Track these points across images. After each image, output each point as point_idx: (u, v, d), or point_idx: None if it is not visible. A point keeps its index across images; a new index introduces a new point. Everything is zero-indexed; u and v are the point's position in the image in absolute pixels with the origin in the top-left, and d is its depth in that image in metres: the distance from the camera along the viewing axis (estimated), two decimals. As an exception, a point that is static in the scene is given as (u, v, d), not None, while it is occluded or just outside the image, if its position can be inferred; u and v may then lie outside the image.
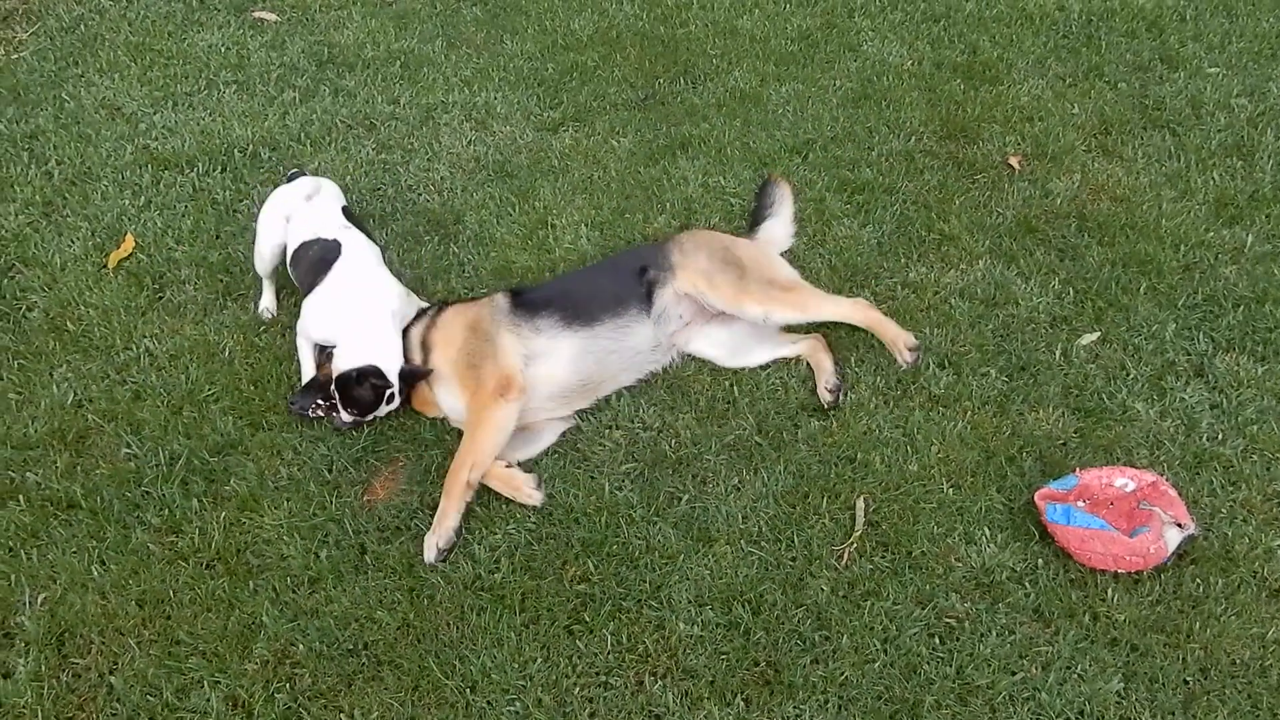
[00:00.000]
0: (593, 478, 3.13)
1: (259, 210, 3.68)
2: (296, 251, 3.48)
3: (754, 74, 4.85)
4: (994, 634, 2.73)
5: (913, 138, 4.42)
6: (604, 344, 3.33)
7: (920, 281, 3.74)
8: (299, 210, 3.55)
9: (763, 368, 3.44)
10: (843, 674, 2.65)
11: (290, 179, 3.75)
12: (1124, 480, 2.95)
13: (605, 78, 4.84)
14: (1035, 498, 2.95)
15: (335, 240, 3.45)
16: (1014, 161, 4.27)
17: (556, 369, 3.27)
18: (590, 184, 4.21)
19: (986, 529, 2.96)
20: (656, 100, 4.71)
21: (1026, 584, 2.83)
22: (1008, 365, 3.44)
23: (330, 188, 3.71)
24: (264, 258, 3.60)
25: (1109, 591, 2.79)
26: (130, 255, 3.87)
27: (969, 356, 3.46)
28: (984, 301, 3.66)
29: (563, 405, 3.31)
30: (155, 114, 4.59)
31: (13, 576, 2.86)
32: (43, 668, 2.67)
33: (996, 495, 3.06)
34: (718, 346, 3.48)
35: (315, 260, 3.42)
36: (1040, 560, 2.88)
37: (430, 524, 2.97)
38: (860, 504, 3.03)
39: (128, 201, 4.11)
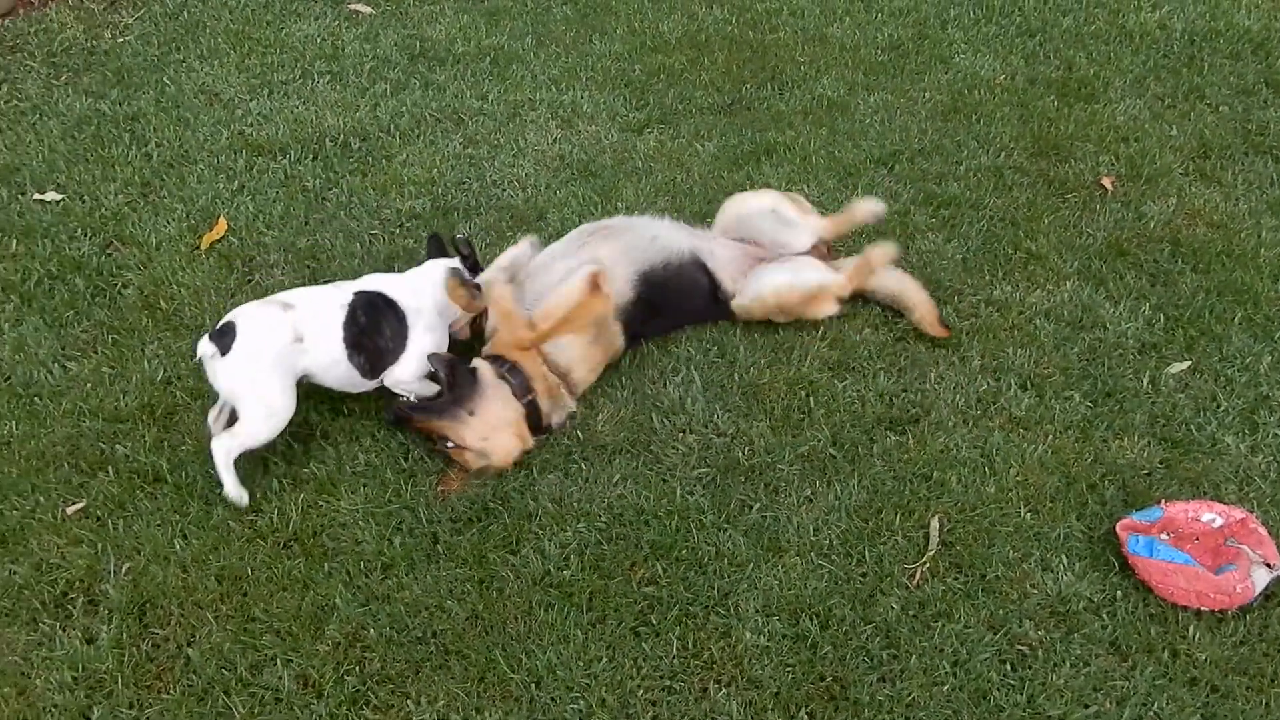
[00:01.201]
0: (664, 480, 3.13)
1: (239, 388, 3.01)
2: (348, 332, 3.08)
3: (842, 82, 4.82)
4: (1068, 664, 2.67)
5: (1002, 153, 4.35)
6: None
7: (1005, 300, 3.68)
8: (296, 321, 3.04)
9: (840, 379, 3.41)
10: (910, 695, 2.62)
11: (218, 335, 2.96)
12: (1211, 515, 2.87)
13: (692, 81, 4.84)
14: (1117, 528, 2.89)
15: (362, 292, 3.16)
16: (1107, 182, 4.18)
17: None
18: (673, 187, 4.22)
19: (1064, 556, 2.90)
20: (742, 105, 4.70)
21: (1104, 615, 2.77)
22: (1092, 390, 3.36)
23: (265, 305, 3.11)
24: (290, 403, 3.06)
25: (1190, 629, 2.72)
26: (222, 238, 3.97)
27: (1052, 379, 3.40)
28: (1070, 324, 3.59)
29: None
30: (251, 100, 4.71)
31: (99, 545, 2.94)
32: (124, 635, 2.74)
33: (1076, 523, 2.99)
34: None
35: (374, 319, 3.12)
36: (1119, 592, 2.81)
37: (499, 524, 3.02)
38: (935, 523, 2.99)
39: (222, 185, 4.22)
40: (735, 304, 3.54)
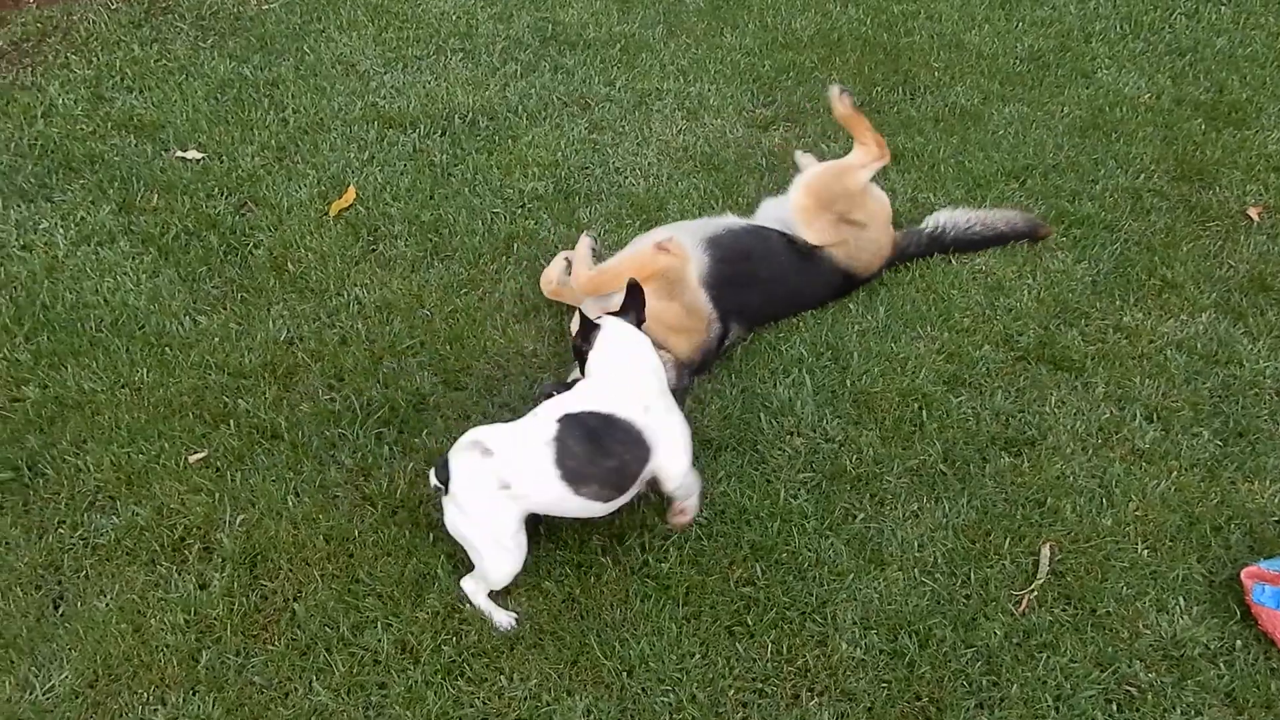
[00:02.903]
0: (769, 481, 3.10)
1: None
2: (565, 470, 2.65)
3: (977, 91, 4.69)
4: (1178, 711, 2.57)
5: (1142, 175, 4.18)
6: None
7: (1135, 327, 3.54)
8: (497, 468, 2.65)
9: (955, 394, 3.33)
10: (1008, 725, 2.55)
11: (440, 469, 2.70)
12: (1346, 571, 2.72)
13: (822, 80, 4.77)
14: (1241, 574, 2.76)
15: (570, 416, 2.71)
16: (1253, 212, 3.99)
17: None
18: (796, 186, 4.16)
19: (1181, 599, 2.79)
20: (872, 108, 4.61)
21: (1220, 664, 2.65)
22: (1223, 429, 3.22)
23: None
24: (520, 545, 2.74)
25: (1314, 688, 2.59)
26: (350, 206, 4.06)
27: (1181, 414, 3.26)
28: (1204, 357, 3.44)
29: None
30: (386, 74, 4.80)
31: (217, 495, 3.04)
32: (235, 584, 2.83)
33: (1196, 565, 2.87)
34: None
35: (592, 445, 2.68)
36: (1239, 641, 2.69)
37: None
38: (1045, 551, 2.90)
39: (353, 155, 4.31)
40: (790, 201, 3.68)
